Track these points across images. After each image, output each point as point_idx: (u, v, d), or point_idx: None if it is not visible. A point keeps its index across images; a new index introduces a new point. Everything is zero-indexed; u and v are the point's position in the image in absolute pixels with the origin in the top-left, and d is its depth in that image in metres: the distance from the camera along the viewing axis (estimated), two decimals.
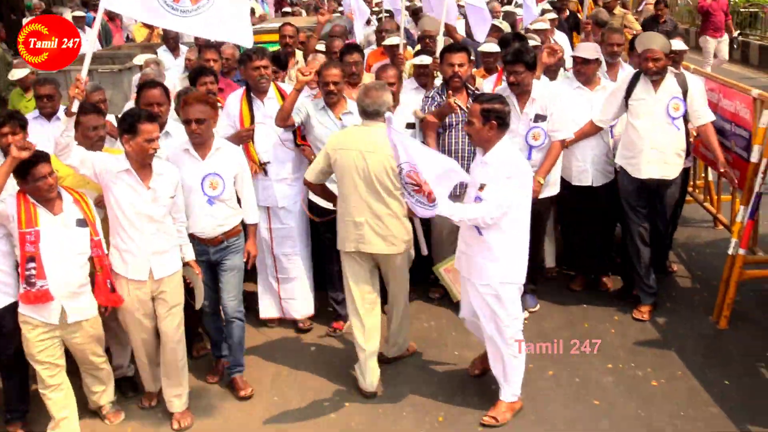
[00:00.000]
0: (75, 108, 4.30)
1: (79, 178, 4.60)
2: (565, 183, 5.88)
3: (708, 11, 13.89)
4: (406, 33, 7.81)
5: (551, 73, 6.40)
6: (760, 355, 5.19)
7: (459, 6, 8.78)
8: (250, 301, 5.74)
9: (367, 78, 6.08)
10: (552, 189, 5.69)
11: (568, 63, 6.75)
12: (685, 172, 6.35)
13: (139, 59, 7.55)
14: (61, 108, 5.89)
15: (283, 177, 5.59)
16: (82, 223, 4.37)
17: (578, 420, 4.62)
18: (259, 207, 5.30)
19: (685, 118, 5.61)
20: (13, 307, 4.34)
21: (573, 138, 5.74)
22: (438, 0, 7.08)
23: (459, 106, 5.47)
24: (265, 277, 5.83)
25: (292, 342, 5.70)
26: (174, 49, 8.84)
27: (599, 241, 6.17)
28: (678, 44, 6.04)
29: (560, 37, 8.81)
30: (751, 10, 17.84)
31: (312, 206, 5.47)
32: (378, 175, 4.65)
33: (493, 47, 6.73)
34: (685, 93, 5.53)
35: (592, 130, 5.82)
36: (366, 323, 4.88)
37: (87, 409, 4.75)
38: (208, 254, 4.88)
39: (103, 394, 4.72)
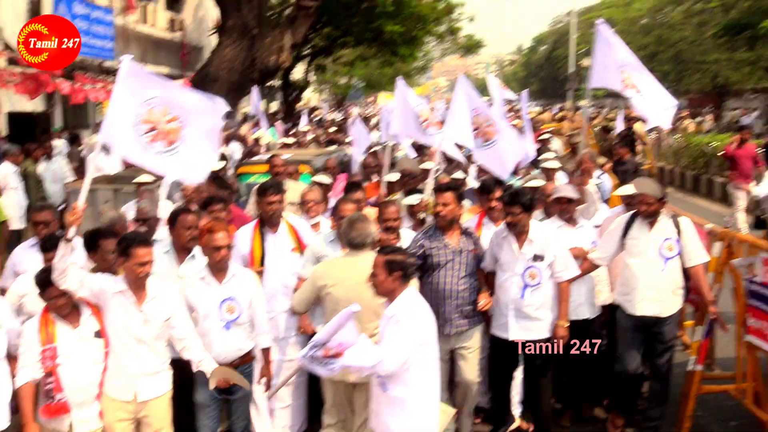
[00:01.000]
0: (71, 234, 4.32)
1: None
2: None
3: (733, 158, 12.96)
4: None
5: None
6: None
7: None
8: None
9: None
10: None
11: None
12: None
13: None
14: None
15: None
16: (98, 334, 4.46)
17: None
18: None
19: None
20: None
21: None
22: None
23: (446, 245, 5.51)
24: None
25: None
26: None
27: (590, 376, 6.18)
28: (628, 189, 6.16)
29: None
30: None
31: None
32: (377, 300, 4.64)
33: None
34: (680, 234, 5.71)
35: (591, 269, 5.95)
36: None
37: None
38: None
39: None
